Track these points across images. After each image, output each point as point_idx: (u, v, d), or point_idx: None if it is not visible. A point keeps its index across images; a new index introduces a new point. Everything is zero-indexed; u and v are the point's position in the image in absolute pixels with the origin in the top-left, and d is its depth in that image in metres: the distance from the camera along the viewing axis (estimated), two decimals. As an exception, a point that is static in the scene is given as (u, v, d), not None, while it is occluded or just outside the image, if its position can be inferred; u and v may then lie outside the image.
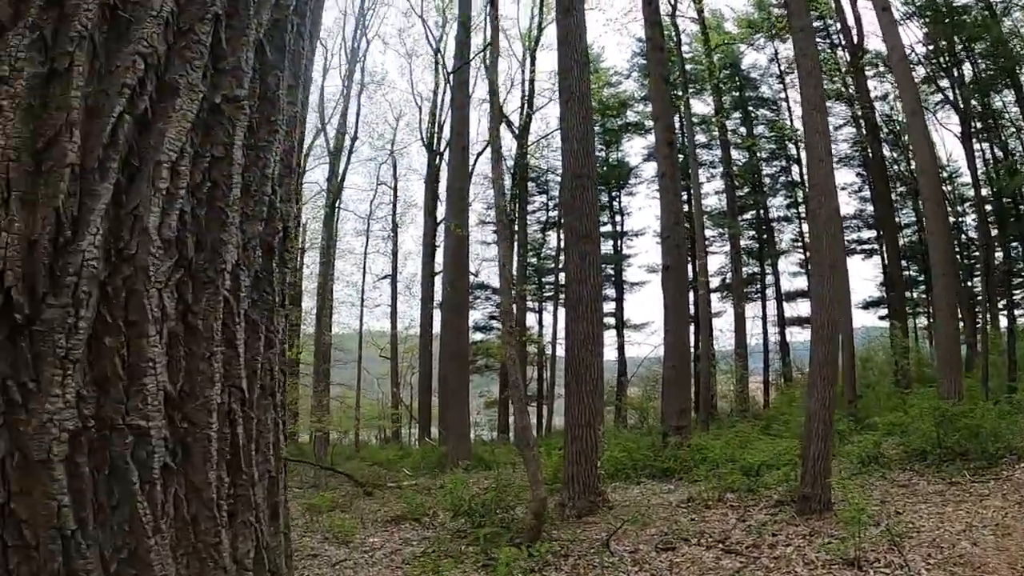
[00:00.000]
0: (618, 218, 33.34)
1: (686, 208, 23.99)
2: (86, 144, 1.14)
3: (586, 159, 11.65)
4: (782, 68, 29.16)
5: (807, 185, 27.28)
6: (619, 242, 33.01)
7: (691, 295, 23.00)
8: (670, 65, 21.53)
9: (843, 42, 24.51)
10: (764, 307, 31.03)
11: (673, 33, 25.00)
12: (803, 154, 27.56)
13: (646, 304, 61.13)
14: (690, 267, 24.10)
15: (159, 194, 1.21)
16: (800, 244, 30.01)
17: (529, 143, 29.48)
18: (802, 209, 28.87)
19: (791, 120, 29.05)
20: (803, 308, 29.31)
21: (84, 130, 1.14)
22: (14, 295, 1.06)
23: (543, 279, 33.03)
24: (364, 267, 34.15)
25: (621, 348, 31.29)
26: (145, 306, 1.18)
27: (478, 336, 30.29)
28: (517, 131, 28.70)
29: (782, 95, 30.03)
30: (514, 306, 12.36)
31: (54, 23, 1.14)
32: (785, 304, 30.35)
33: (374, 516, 11.53)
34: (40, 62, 1.13)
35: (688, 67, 28.02)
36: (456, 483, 10.27)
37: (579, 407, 10.53)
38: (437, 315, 24.47)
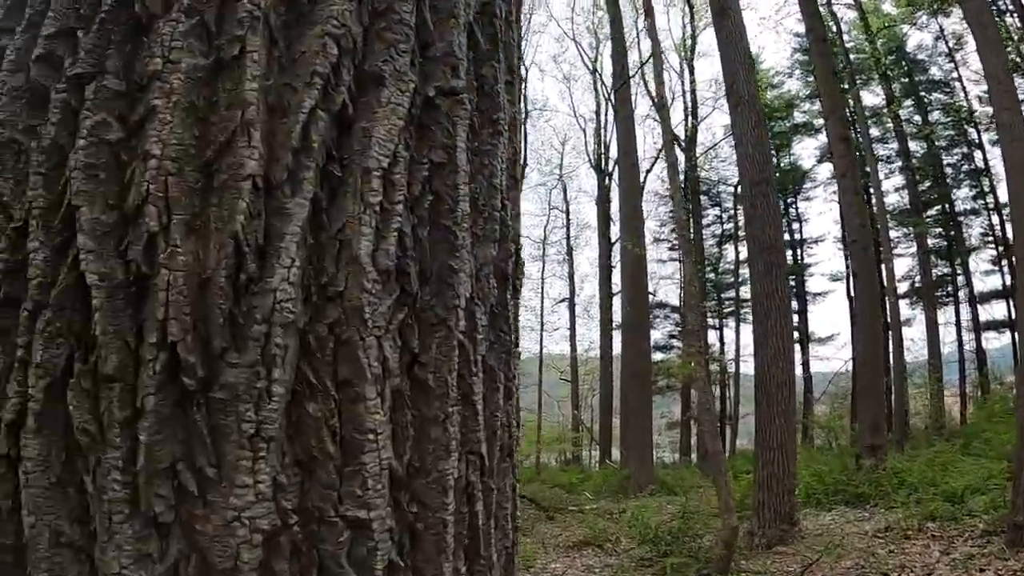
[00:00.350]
0: (795, 225, 31.51)
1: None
2: (270, 150, 0.88)
3: (763, 164, 11.17)
4: (950, 45, 26.45)
5: (999, 168, 24.62)
6: (799, 251, 31.16)
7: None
8: (834, 57, 20.13)
9: (1010, 7, 21.87)
10: (957, 311, 27.86)
11: (831, 23, 23.43)
12: (984, 137, 25.05)
13: (830, 315, 57.15)
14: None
15: (371, 211, 0.92)
16: (991, 238, 26.84)
17: (697, 155, 28.63)
18: (990, 199, 25.90)
19: (967, 101, 26.27)
20: (998, 310, 26.09)
21: (266, 132, 0.88)
22: (182, 353, 0.81)
23: (722, 295, 31.74)
24: (542, 291, 34.42)
25: (806, 364, 29.43)
26: (361, 360, 0.89)
27: (658, 356, 29.47)
28: (684, 144, 27.87)
29: (954, 75, 27.12)
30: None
31: (216, 6, 0.90)
32: (979, 307, 27.09)
33: (556, 541, 11.39)
34: (202, 52, 0.90)
35: (851, 57, 26.14)
36: (641, 509, 9.93)
37: (770, 428, 10.00)
38: (616, 336, 24.07)
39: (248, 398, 0.81)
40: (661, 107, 10.10)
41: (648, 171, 25.07)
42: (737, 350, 29.96)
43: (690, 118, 28.07)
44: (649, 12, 10.23)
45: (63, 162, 0.89)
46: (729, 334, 31.59)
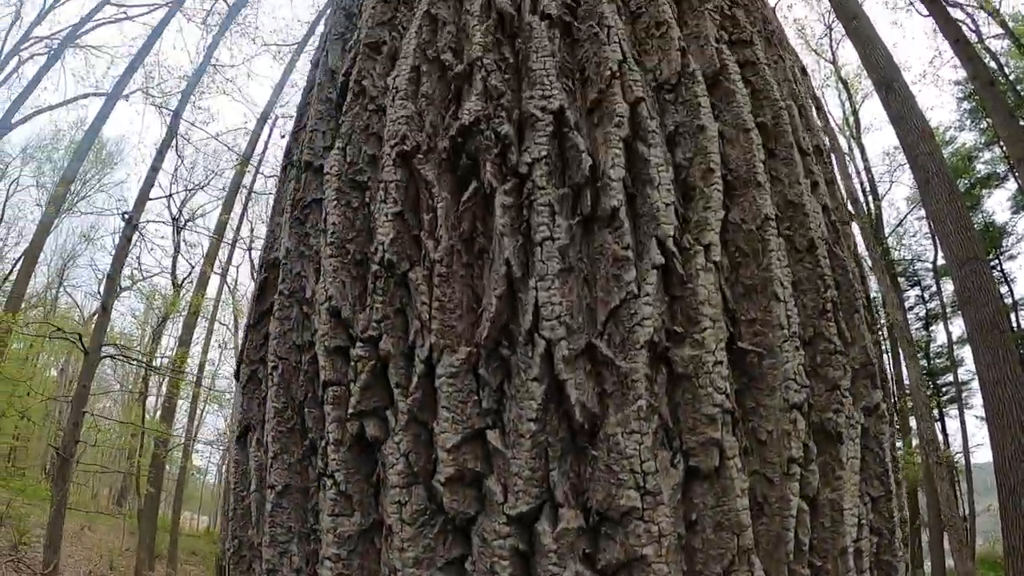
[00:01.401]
0: (1003, 289, 28.63)
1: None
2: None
3: (968, 239, 10.28)
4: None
5: None
6: (1014, 317, 28.16)
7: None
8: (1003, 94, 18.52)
9: None
10: None
11: (988, 59, 21.78)
12: None
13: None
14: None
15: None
16: None
17: (886, 235, 26.83)
18: None
19: None
20: None
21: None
22: None
23: (937, 381, 29.00)
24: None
25: (1040, 447, 25.96)
26: None
27: (878, 461, 27.00)
28: (871, 226, 26.16)
29: None
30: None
31: (664, 389, 0.82)
32: None
33: None
34: (670, 461, 0.80)
35: (1019, 88, 24.04)
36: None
37: (1018, 533, 8.78)
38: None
39: None
40: (854, 203, 9.58)
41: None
42: (964, 440, 26.82)
43: (870, 199, 26.44)
44: (820, 109, 9.91)
45: None
46: (952, 424, 28.59)
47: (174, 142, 16.03)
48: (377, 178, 1.02)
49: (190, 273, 22.72)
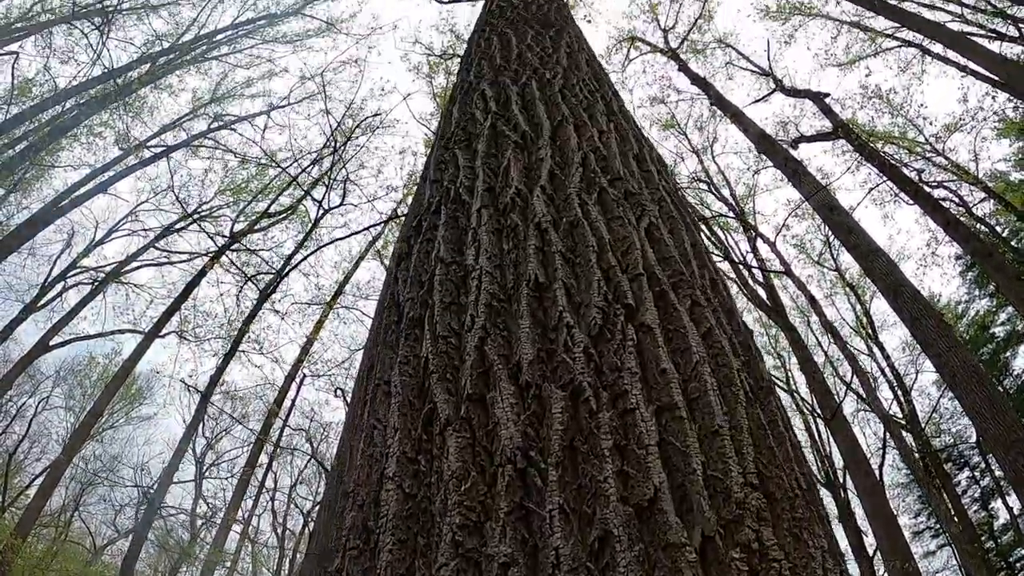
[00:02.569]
0: (1050, 443, 27.38)
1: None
2: None
3: (1007, 422, 10.11)
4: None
5: None
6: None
7: None
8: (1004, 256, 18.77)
9: None
10: None
11: (978, 225, 22.29)
12: None
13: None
14: None
15: None
16: None
17: (923, 427, 26.02)
18: None
19: None
20: None
21: None
22: None
23: (1010, 559, 27.26)
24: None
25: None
26: None
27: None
28: (905, 422, 25.59)
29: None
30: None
31: None
32: None
33: None
34: None
35: (1013, 243, 24.31)
36: None
37: None
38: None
39: None
40: (885, 420, 9.60)
41: (880, 466, 22.48)
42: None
43: (901, 393, 25.84)
44: (837, 336, 10.19)
45: None
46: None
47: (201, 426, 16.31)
48: None
49: (212, 517, 22.23)
